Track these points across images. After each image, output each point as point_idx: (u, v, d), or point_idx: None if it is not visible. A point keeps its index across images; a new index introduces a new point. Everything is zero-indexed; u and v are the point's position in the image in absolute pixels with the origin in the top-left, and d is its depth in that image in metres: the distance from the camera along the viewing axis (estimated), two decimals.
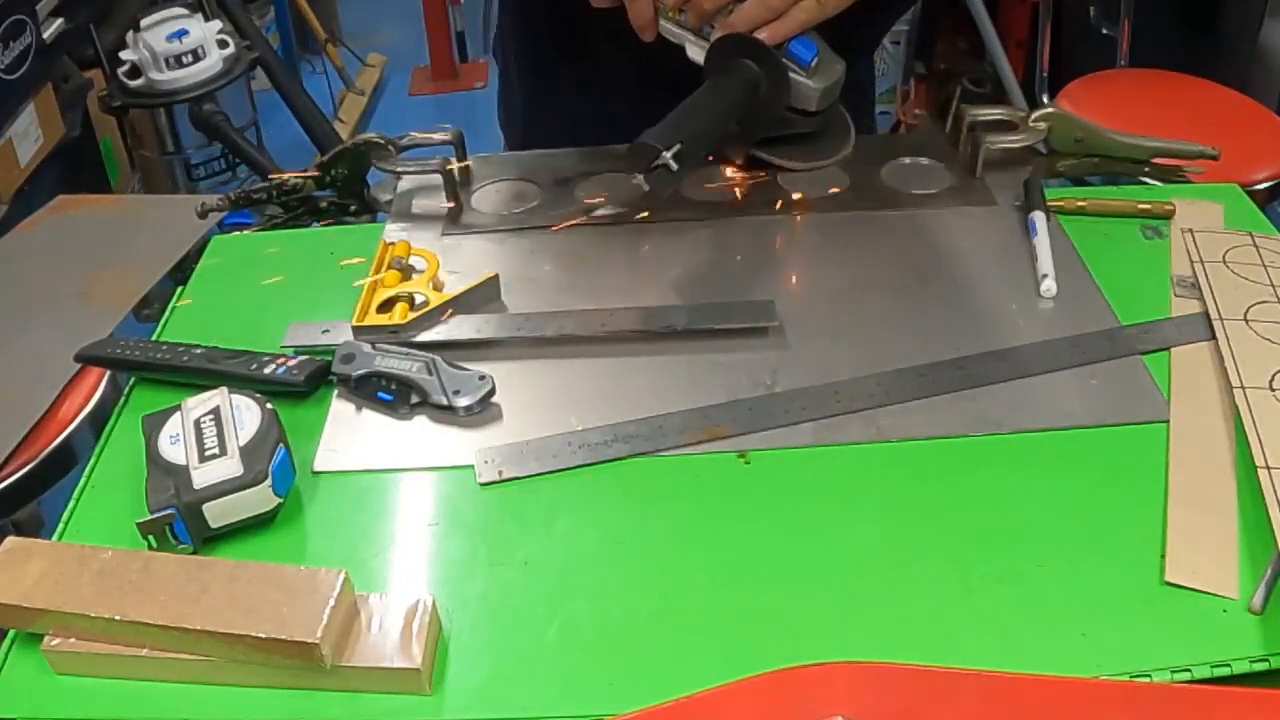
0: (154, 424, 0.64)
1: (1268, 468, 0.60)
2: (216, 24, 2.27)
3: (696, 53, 0.81)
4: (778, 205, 0.87)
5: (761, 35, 0.78)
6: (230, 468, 0.60)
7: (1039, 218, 0.82)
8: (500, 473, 0.65)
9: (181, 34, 2.16)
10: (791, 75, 0.80)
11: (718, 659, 0.53)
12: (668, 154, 0.72)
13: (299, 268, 0.85)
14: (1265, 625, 0.53)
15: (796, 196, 0.88)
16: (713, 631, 0.55)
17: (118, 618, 0.52)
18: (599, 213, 0.87)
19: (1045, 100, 2.16)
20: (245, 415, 0.63)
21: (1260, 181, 1.62)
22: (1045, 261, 0.78)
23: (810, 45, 0.80)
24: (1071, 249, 0.81)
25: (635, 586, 0.58)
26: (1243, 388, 0.66)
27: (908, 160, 0.93)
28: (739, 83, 0.79)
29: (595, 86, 1.01)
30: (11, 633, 0.56)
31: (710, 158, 0.91)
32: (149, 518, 0.58)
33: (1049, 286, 0.76)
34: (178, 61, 2.17)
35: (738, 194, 0.89)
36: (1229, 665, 0.52)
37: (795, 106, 0.82)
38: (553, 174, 0.93)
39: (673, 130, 0.74)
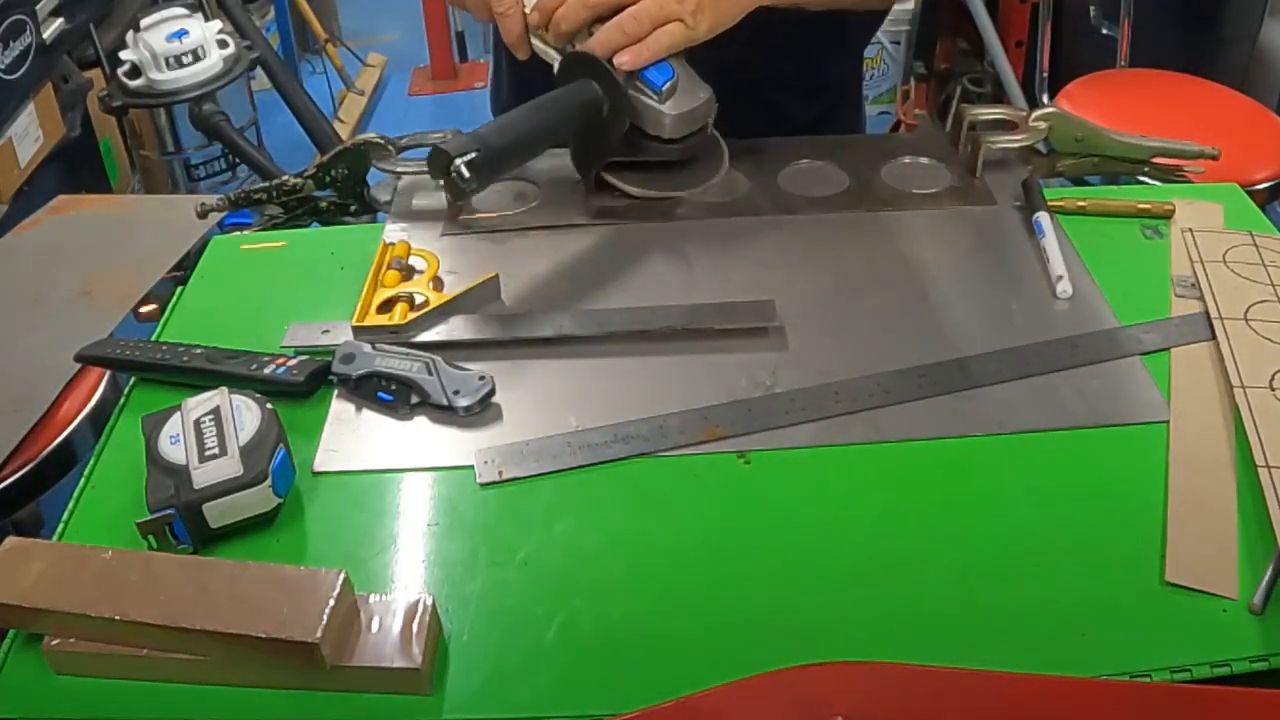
0: (154, 424, 0.64)
1: (1268, 467, 0.60)
2: (216, 24, 2.27)
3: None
4: (778, 205, 0.87)
5: (623, 59, 0.76)
6: (230, 468, 0.60)
7: (1045, 218, 0.82)
8: (500, 473, 0.65)
9: (181, 34, 2.16)
10: (642, 99, 0.78)
11: (718, 659, 0.53)
12: (460, 161, 0.70)
13: (299, 268, 0.85)
14: (1265, 625, 0.53)
15: (798, 196, 0.88)
16: (713, 631, 0.55)
17: (118, 618, 0.52)
18: (599, 213, 0.87)
19: (1045, 100, 2.16)
20: (245, 415, 0.63)
21: (1260, 181, 1.62)
22: (1058, 262, 0.78)
23: (666, 70, 0.78)
24: (1072, 249, 0.81)
25: (635, 586, 0.58)
26: (1243, 387, 0.66)
27: (908, 160, 0.93)
28: (573, 101, 0.77)
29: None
30: (11, 633, 0.56)
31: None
32: (149, 518, 0.58)
33: (1064, 288, 0.76)
34: (178, 61, 2.17)
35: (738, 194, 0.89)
36: (1229, 665, 0.52)
37: (649, 132, 0.80)
38: (553, 174, 0.93)
39: (474, 139, 0.72)
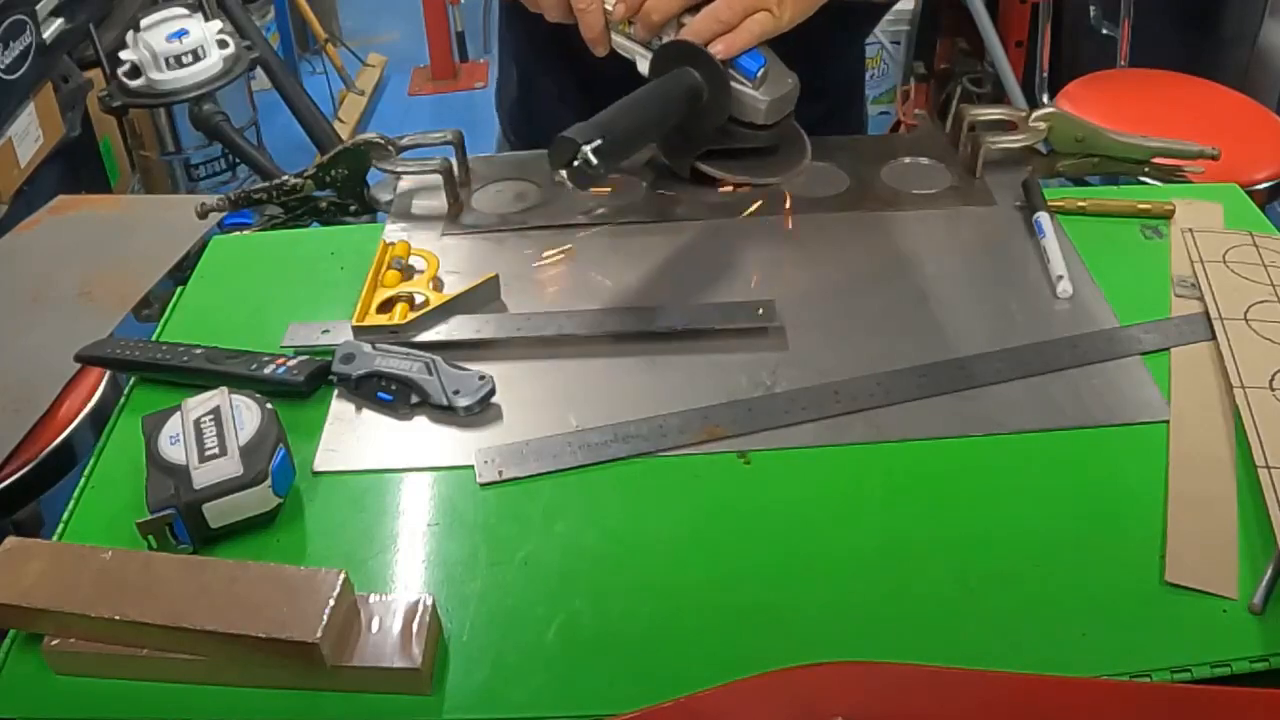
0: (154, 424, 0.64)
1: (1268, 467, 0.60)
2: (216, 24, 2.27)
3: (645, 66, 0.80)
4: (778, 205, 0.87)
5: (717, 47, 0.77)
6: (230, 468, 0.60)
7: (1045, 218, 0.82)
8: (500, 473, 0.65)
9: (181, 34, 2.16)
10: (737, 87, 0.79)
11: (718, 659, 0.53)
12: (587, 148, 0.70)
13: (299, 268, 0.85)
14: (1265, 625, 0.53)
15: (797, 196, 0.88)
16: (713, 631, 0.55)
17: (118, 618, 0.52)
18: (599, 213, 0.87)
19: (1045, 100, 2.16)
20: (245, 415, 0.63)
21: (1260, 181, 1.62)
22: (1058, 262, 0.78)
23: (758, 57, 0.79)
24: (1072, 249, 0.81)
25: (635, 586, 0.58)
26: (1243, 387, 0.66)
27: (908, 160, 0.93)
28: (678, 88, 0.77)
29: (570, 88, 1.01)
30: (11, 633, 0.56)
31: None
32: (149, 518, 0.58)
33: (1065, 288, 0.76)
34: (178, 61, 2.17)
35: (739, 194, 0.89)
36: (1229, 665, 0.52)
37: (743, 119, 0.81)
38: (553, 174, 0.93)
39: (597, 126, 0.72)
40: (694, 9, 0.78)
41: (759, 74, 0.78)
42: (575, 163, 0.70)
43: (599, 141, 0.70)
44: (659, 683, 0.52)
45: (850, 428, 0.67)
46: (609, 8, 0.79)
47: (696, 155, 0.86)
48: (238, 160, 2.30)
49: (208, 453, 0.61)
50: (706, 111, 0.79)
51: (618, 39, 0.81)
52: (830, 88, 1.05)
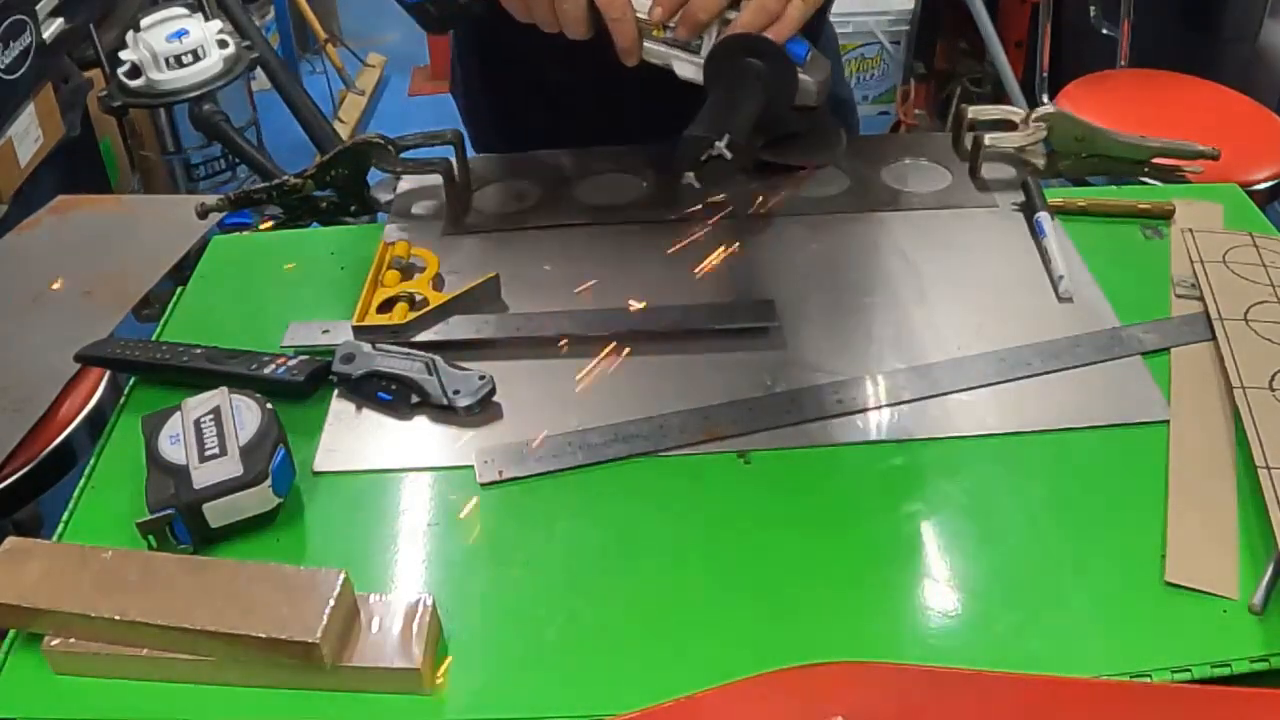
0: (154, 424, 0.64)
1: (1268, 468, 0.60)
2: (216, 24, 2.27)
3: (686, 68, 0.79)
4: (779, 206, 0.87)
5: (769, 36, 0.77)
6: (230, 468, 0.60)
7: (1046, 218, 0.82)
8: (500, 473, 0.64)
9: (181, 34, 2.16)
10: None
11: (718, 659, 0.53)
12: (720, 144, 0.71)
13: (299, 268, 0.85)
14: (1265, 625, 0.53)
15: (798, 197, 0.88)
16: (713, 631, 0.55)
17: (118, 618, 0.52)
18: (599, 213, 0.87)
19: (1045, 100, 2.16)
20: (245, 415, 0.63)
21: (1260, 181, 1.62)
22: (1059, 262, 0.78)
23: (802, 42, 0.79)
24: (1073, 249, 0.81)
25: (635, 586, 0.58)
26: (1243, 388, 0.66)
27: (908, 160, 0.93)
28: (756, 80, 0.77)
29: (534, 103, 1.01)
30: (11, 633, 0.56)
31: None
32: (149, 518, 0.58)
33: (1067, 287, 0.76)
34: (178, 61, 2.16)
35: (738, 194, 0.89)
36: (1229, 665, 0.52)
37: (794, 104, 0.82)
38: (553, 174, 0.93)
39: (716, 123, 0.73)
40: (733, 4, 0.78)
41: (808, 58, 0.79)
42: (707, 159, 0.71)
43: (728, 137, 0.71)
44: (659, 683, 0.52)
45: (850, 428, 0.67)
46: (643, 15, 0.78)
47: (764, 143, 0.85)
48: (238, 160, 2.30)
49: (208, 453, 0.61)
50: (775, 100, 0.79)
51: (649, 45, 0.80)
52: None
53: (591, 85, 0.87)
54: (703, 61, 0.79)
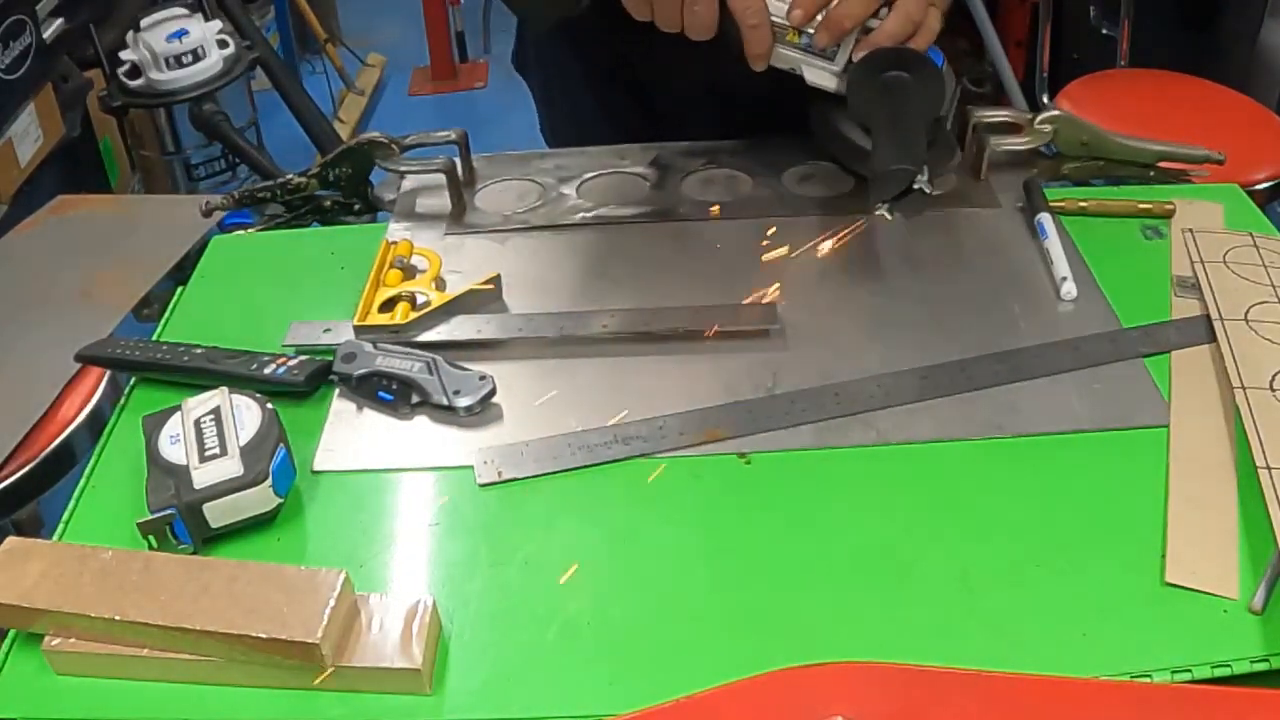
0: (154, 424, 0.64)
1: (1268, 468, 0.60)
2: (216, 24, 2.27)
3: (818, 75, 0.79)
4: (780, 206, 0.87)
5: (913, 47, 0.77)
6: (230, 468, 0.60)
7: (1047, 220, 0.82)
8: (500, 473, 0.64)
9: (181, 34, 2.16)
10: None
11: (718, 659, 0.53)
12: (923, 177, 0.72)
13: (300, 267, 0.85)
14: (1265, 625, 0.53)
15: (799, 197, 0.88)
16: (713, 631, 0.55)
17: (118, 618, 0.52)
18: (601, 213, 0.87)
19: (1045, 100, 2.16)
20: (245, 415, 0.63)
21: (1260, 181, 1.62)
22: (1062, 264, 0.78)
23: (938, 51, 0.79)
24: (1075, 250, 0.81)
25: (635, 586, 0.58)
26: (1243, 388, 0.66)
27: None
28: (911, 94, 0.77)
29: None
30: (11, 633, 0.56)
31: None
32: (149, 518, 0.58)
33: (1069, 289, 0.76)
34: (178, 61, 2.17)
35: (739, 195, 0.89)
36: (1229, 665, 0.52)
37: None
38: (556, 174, 0.93)
39: (907, 152, 0.73)
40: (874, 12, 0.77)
41: (945, 66, 0.79)
42: (910, 192, 0.72)
43: (925, 167, 0.72)
44: (659, 683, 0.52)
45: (851, 430, 0.67)
46: (778, 20, 0.77)
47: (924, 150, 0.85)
48: (238, 160, 2.30)
49: (208, 453, 0.61)
50: (928, 112, 0.80)
51: (780, 50, 0.79)
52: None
53: (703, 89, 0.86)
54: (839, 70, 0.78)
